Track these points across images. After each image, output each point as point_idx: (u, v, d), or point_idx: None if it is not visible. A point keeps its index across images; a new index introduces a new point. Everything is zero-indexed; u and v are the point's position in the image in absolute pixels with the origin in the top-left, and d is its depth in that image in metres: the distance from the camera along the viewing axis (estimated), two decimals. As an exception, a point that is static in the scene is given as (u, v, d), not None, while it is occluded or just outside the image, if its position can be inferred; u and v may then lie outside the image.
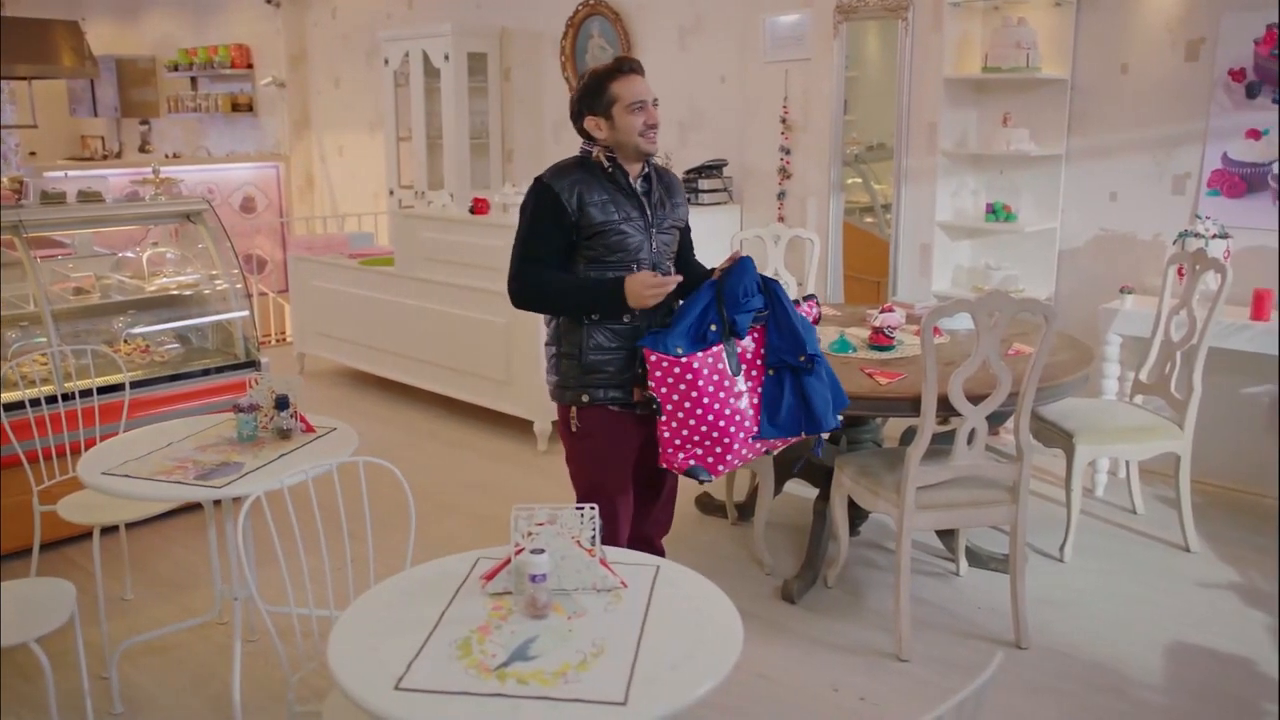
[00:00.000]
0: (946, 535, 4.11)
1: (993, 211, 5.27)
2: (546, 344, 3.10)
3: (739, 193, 6.38)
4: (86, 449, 3.30)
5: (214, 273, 4.91)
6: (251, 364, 4.80)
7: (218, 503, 3.14)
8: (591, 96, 2.92)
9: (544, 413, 5.44)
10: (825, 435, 3.19)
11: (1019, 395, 3.31)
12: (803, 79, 6.02)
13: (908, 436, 4.33)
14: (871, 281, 6.12)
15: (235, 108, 10.13)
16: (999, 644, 3.50)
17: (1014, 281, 5.23)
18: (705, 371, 2.83)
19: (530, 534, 2.16)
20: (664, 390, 2.85)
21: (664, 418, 2.87)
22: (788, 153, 6.14)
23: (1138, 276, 4.97)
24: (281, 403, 3.20)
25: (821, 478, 3.99)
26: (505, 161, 7.84)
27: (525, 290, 2.95)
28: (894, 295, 5.74)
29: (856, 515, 4.03)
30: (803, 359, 2.93)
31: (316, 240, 7.30)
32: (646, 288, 2.86)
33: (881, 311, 3.97)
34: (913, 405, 3.32)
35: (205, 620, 3.52)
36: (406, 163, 8.12)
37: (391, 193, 8.28)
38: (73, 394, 3.83)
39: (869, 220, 6.38)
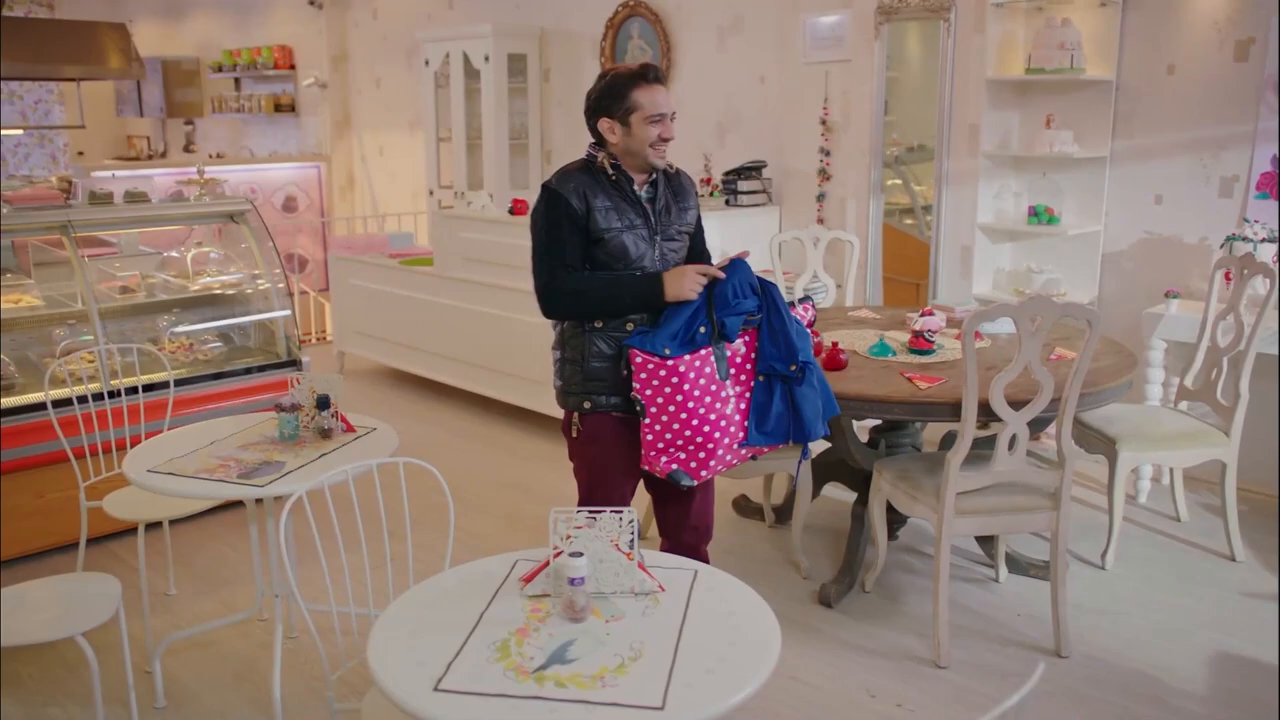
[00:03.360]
0: (986, 541, 4.07)
1: (1035, 214, 5.21)
2: (552, 348, 3.05)
3: (778, 194, 6.36)
4: (132, 446, 3.36)
5: (256, 272, 4.97)
6: (293, 363, 4.85)
7: (259, 501, 3.18)
8: (610, 99, 2.87)
9: (581, 413, 5.45)
10: (812, 445, 3.15)
11: (1061, 401, 3.28)
12: (843, 80, 5.99)
13: (948, 441, 4.30)
14: (911, 284, 6.08)
15: (278, 108, 10.24)
16: (1039, 651, 3.47)
17: (1056, 285, 5.18)
18: (691, 375, 2.77)
19: (569, 537, 2.17)
20: (649, 392, 2.79)
21: (648, 420, 2.80)
22: (827, 154, 6.11)
23: (1183, 280, 4.90)
24: (323, 402, 3.23)
25: (860, 481, 3.97)
26: (544, 162, 7.86)
27: (559, 296, 2.88)
28: (934, 298, 5.70)
29: (895, 519, 4.01)
30: (793, 369, 2.86)
31: (357, 240, 7.37)
32: (688, 279, 2.81)
33: (921, 315, 3.94)
34: (953, 410, 3.29)
35: (246, 617, 3.56)
36: (446, 163, 8.17)
37: (431, 193, 8.33)
38: (118, 391, 3.89)
39: (909, 222, 6.34)
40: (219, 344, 4.91)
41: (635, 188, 2.91)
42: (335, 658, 2.73)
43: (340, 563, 2.52)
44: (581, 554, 2.11)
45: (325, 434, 3.23)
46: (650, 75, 2.86)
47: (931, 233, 5.78)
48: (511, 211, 5.79)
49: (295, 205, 9.62)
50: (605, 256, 2.87)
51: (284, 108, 10.23)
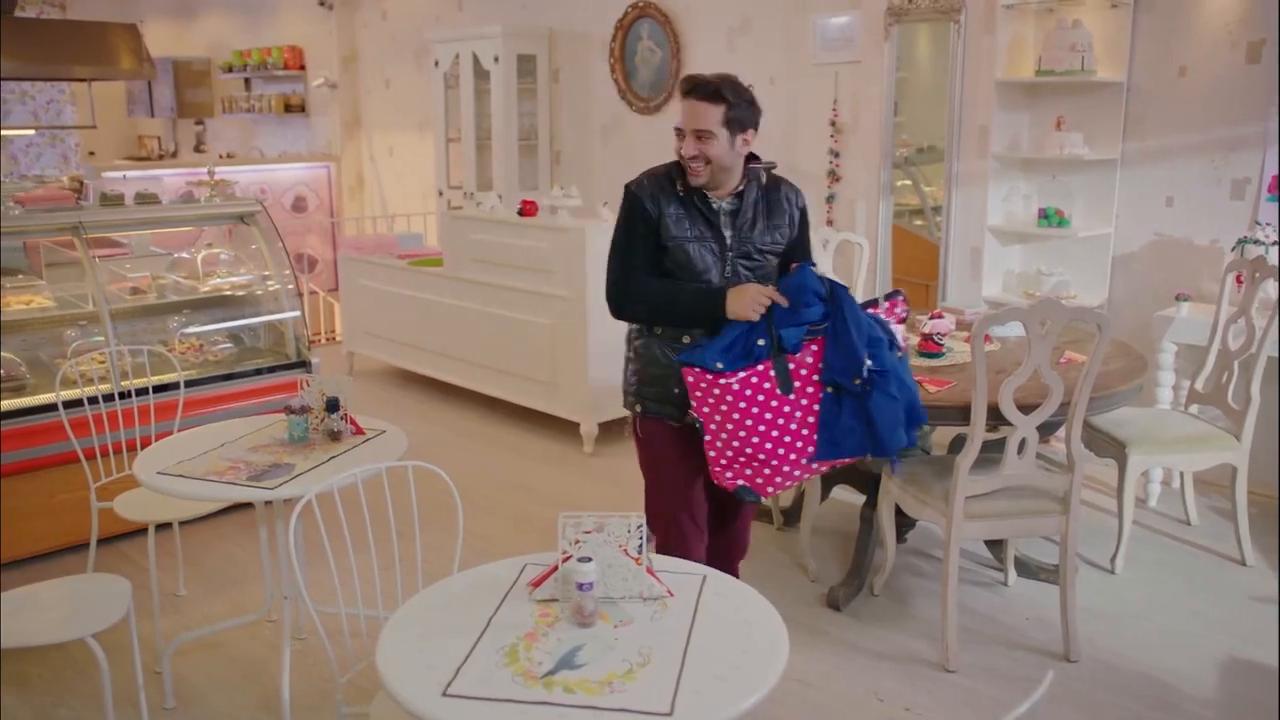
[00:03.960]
0: (995, 544, 4.06)
1: (1045, 216, 5.20)
2: (626, 343, 3.04)
3: (787, 195, 6.34)
4: (142, 447, 3.37)
5: (266, 273, 4.98)
6: (302, 364, 4.87)
7: (269, 503, 3.18)
8: None
9: (591, 414, 5.46)
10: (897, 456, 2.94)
11: (1071, 405, 3.27)
12: (852, 81, 5.99)
13: (957, 444, 4.29)
14: (920, 284, 6.07)
15: (288, 108, 10.26)
16: (1047, 656, 3.46)
17: (1066, 287, 5.16)
18: (747, 392, 2.68)
19: (577, 541, 2.17)
20: (705, 409, 2.72)
21: (708, 437, 2.75)
22: (837, 155, 6.10)
23: (1194, 283, 4.88)
24: (332, 405, 3.24)
25: (869, 484, 3.97)
26: (554, 163, 7.87)
27: (624, 298, 2.88)
28: (944, 300, 5.69)
29: (903, 522, 4.00)
30: (857, 382, 2.71)
31: (366, 240, 7.38)
32: (752, 299, 2.72)
33: (931, 318, 3.93)
34: (962, 413, 3.29)
35: (256, 618, 3.57)
36: (455, 164, 8.18)
37: (440, 193, 8.34)
38: (129, 392, 3.91)
39: (919, 223, 6.32)
40: (229, 345, 4.92)
41: (711, 199, 2.85)
42: (344, 660, 2.74)
43: (349, 564, 2.52)
44: (590, 559, 2.11)
45: (334, 436, 3.23)
46: (685, 87, 2.83)
47: (941, 234, 5.76)
48: (520, 212, 5.79)
49: (305, 205, 9.64)
50: (671, 264, 2.85)
51: (294, 108, 10.26)
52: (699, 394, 2.72)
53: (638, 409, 2.93)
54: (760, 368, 2.70)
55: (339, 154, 9.76)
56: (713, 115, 2.78)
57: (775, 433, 2.70)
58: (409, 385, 6.88)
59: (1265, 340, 3.99)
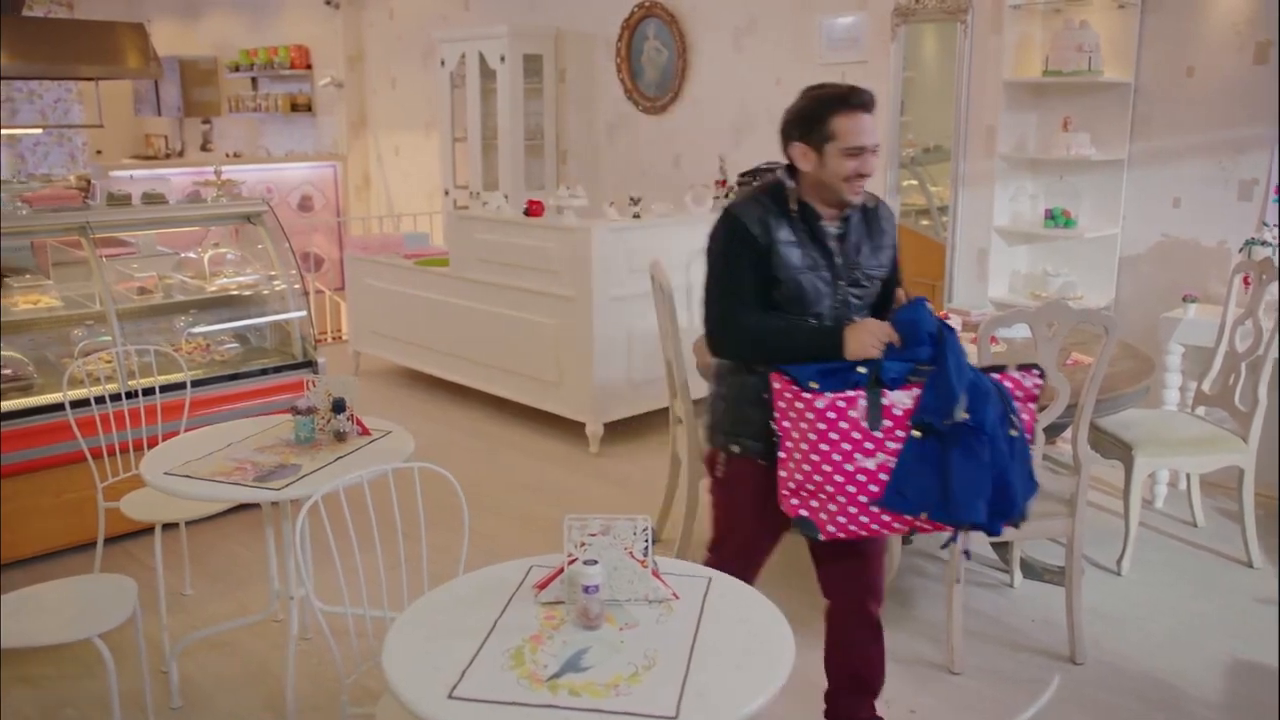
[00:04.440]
0: (1000, 545, 4.06)
1: (1051, 217, 5.19)
2: (706, 378, 2.85)
3: (793, 195, 6.34)
4: (149, 446, 3.38)
5: (272, 273, 4.99)
6: (308, 364, 4.87)
7: (275, 504, 3.19)
8: (807, 123, 2.58)
9: (596, 414, 5.46)
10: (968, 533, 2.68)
11: (1077, 407, 3.26)
12: (859, 81, 5.91)
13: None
14: (926, 285, 6.06)
15: (294, 107, 10.28)
16: (1053, 658, 3.45)
17: (1073, 288, 5.16)
18: (831, 415, 2.45)
19: (583, 544, 2.17)
20: (786, 424, 2.52)
21: (783, 454, 2.54)
22: (843, 155, 6.08)
23: (1201, 284, 4.87)
24: (338, 406, 3.24)
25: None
26: (560, 163, 7.87)
27: (732, 336, 2.62)
28: (950, 300, 5.68)
29: (909, 524, 3.99)
30: (948, 422, 2.41)
31: (372, 240, 7.39)
32: (872, 336, 2.48)
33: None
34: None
35: (262, 618, 3.58)
36: (462, 163, 8.19)
37: (447, 193, 8.35)
38: (136, 392, 3.92)
39: (925, 223, 6.31)
40: (235, 345, 4.93)
41: (823, 223, 2.61)
42: (349, 660, 2.74)
43: (354, 564, 2.53)
44: (596, 561, 2.11)
45: (340, 437, 3.24)
46: (855, 100, 2.58)
47: (947, 233, 5.76)
48: (526, 212, 5.80)
49: (311, 204, 9.65)
50: (780, 298, 2.59)
51: (300, 107, 10.27)
52: (783, 404, 2.51)
53: (733, 449, 2.70)
54: (853, 394, 2.47)
55: (345, 153, 9.78)
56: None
57: (849, 466, 2.47)
58: (415, 384, 6.88)
59: (1272, 342, 3.99)
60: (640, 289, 4.98)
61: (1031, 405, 2.58)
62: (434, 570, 2.66)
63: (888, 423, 2.45)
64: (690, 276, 5.78)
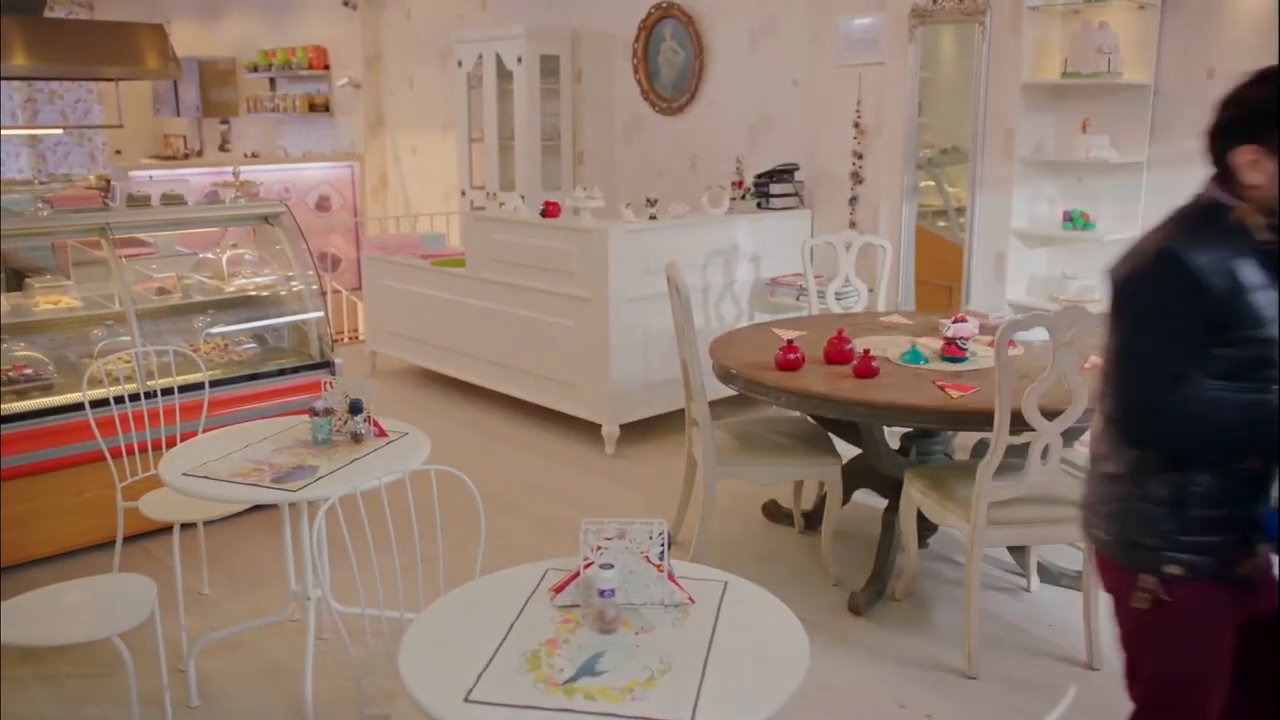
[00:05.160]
0: (1018, 550, 4.04)
1: (1070, 219, 5.16)
2: (1112, 474, 2.10)
3: (810, 197, 6.34)
4: (167, 446, 3.40)
5: (290, 274, 5.01)
6: (326, 364, 4.89)
7: (292, 505, 3.21)
8: (1261, 119, 1.96)
9: (612, 415, 5.47)
10: None
11: (1095, 411, 3.24)
12: (876, 82, 5.96)
13: (980, 449, 4.27)
14: (944, 285, 6.04)
15: (312, 108, 10.32)
16: (1070, 663, 3.44)
17: (1091, 291, 5.12)
18: None
19: (599, 548, 2.17)
20: None
21: None
22: (860, 157, 6.08)
23: (1221, 287, 4.83)
24: (355, 407, 3.25)
25: (890, 488, 3.96)
26: (576, 164, 7.88)
27: (1175, 417, 1.93)
28: (967, 303, 5.65)
29: (926, 527, 3.98)
30: None
31: (389, 240, 7.42)
32: None
33: (954, 322, 3.91)
34: (985, 419, 3.27)
35: (280, 619, 3.59)
36: (478, 164, 8.21)
37: (463, 194, 8.37)
38: (155, 392, 3.94)
39: (942, 224, 6.29)
40: (253, 345, 4.96)
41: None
42: (366, 661, 2.75)
43: (371, 565, 2.54)
44: (612, 565, 2.11)
45: (357, 439, 3.25)
46: None
47: (965, 234, 5.73)
48: (543, 213, 5.80)
49: (329, 205, 9.69)
50: (1240, 362, 1.92)
51: (318, 107, 10.31)
52: None
53: (1174, 570, 1.98)
54: None
55: (363, 153, 9.81)
56: None
57: None
58: (431, 385, 6.90)
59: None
60: (657, 290, 4.98)
61: None
62: (450, 572, 2.67)
63: None
64: (707, 277, 5.78)
